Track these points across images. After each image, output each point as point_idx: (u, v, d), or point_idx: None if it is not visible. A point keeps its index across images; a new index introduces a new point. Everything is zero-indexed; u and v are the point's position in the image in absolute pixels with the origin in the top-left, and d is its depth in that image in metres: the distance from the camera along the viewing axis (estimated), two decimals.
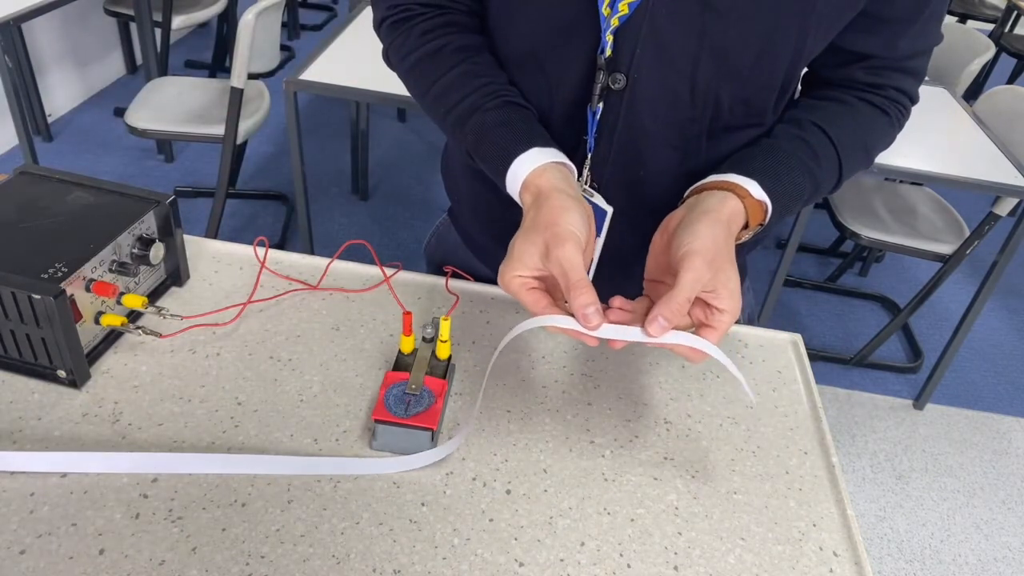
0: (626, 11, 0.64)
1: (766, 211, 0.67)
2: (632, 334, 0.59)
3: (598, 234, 0.73)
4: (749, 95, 0.69)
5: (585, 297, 0.57)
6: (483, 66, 0.72)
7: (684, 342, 0.60)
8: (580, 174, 0.74)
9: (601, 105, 0.70)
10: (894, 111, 0.75)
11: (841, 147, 0.71)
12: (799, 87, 0.79)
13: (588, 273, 0.66)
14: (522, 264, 0.60)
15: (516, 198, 0.67)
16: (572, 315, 0.59)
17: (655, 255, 0.65)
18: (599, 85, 0.69)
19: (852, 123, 0.73)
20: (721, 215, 0.62)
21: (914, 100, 0.77)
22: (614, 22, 0.64)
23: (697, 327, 0.61)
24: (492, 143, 0.68)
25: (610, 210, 0.73)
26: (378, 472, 0.64)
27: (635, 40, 0.65)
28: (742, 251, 0.87)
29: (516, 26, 0.71)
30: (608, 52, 0.66)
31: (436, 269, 1.00)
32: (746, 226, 0.65)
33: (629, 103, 0.69)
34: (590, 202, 0.70)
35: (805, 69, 0.75)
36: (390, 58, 0.78)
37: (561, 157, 0.67)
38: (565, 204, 0.61)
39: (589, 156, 0.73)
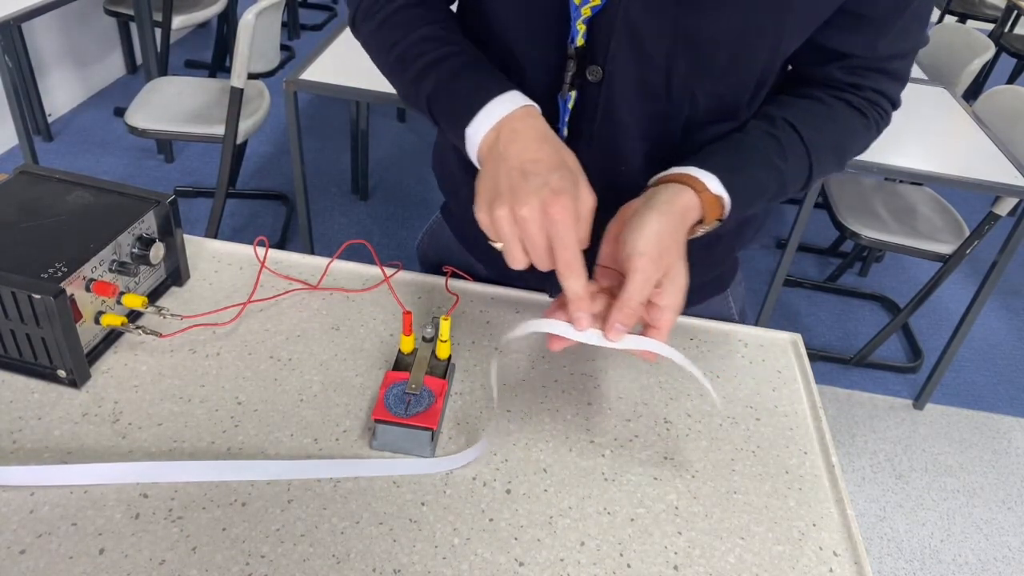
0: (598, 2, 0.64)
1: (724, 206, 0.66)
2: (592, 337, 0.60)
3: None
4: (725, 91, 0.69)
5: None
6: (460, 34, 0.72)
7: (641, 346, 0.60)
8: None
9: (573, 94, 0.69)
10: (872, 113, 0.74)
11: (812, 146, 0.71)
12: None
13: None
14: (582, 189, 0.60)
15: (484, 128, 0.64)
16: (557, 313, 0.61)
17: (609, 242, 0.64)
18: (569, 74, 0.68)
19: (826, 122, 0.72)
20: (672, 208, 0.62)
21: (895, 104, 0.76)
22: (585, 11, 0.64)
23: (644, 328, 0.61)
24: (470, 80, 0.67)
25: None
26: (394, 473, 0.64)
27: (609, 32, 0.65)
28: (734, 247, 0.88)
29: (490, 12, 0.71)
30: (579, 41, 0.66)
31: (429, 267, 1.00)
32: (702, 220, 0.65)
33: (607, 96, 0.69)
34: None
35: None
36: (358, 19, 0.76)
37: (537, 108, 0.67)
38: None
39: None
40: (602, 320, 0.60)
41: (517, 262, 0.60)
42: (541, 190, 0.58)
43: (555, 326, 0.61)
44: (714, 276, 0.89)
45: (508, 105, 0.64)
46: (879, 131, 0.76)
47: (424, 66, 0.69)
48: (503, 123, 0.63)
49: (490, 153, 0.63)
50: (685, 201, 0.63)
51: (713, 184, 0.65)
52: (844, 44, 0.70)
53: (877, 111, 0.75)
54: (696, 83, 0.67)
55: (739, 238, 0.86)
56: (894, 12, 0.67)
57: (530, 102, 0.65)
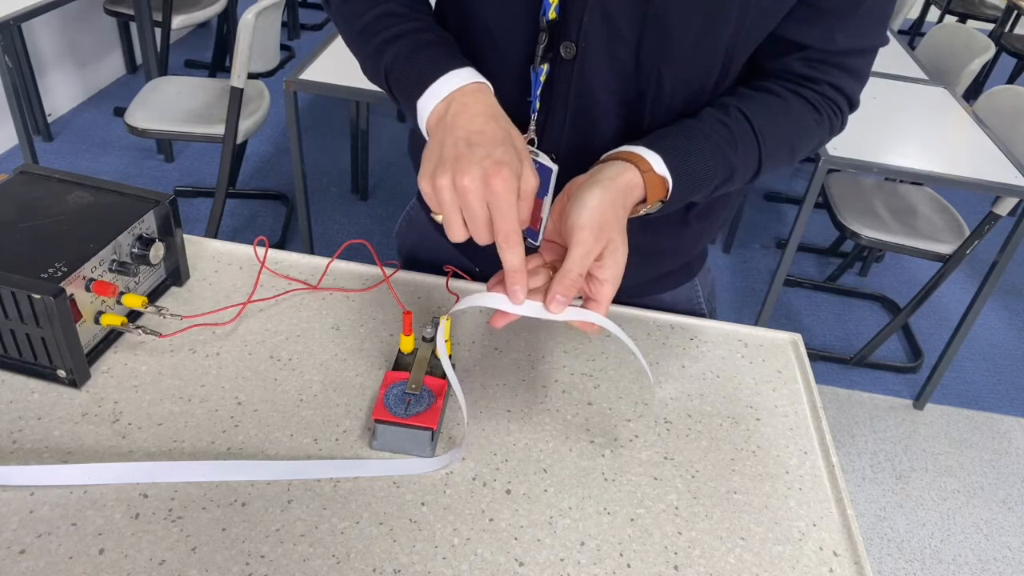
0: None
1: (667, 188, 0.66)
2: (533, 309, 0.61)
3: (545, 193, 0.73)
4: (691, 73, 0.70)
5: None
6: (424, 11, 0.73)
7: (581, 318, 0.61)
8: (523, 133, 0.74)
9: (545, 67, 0.70)
10: (826, 109, 0.74)
11: (763, 138, 0.71)
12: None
13: (540, 231, 0.69)
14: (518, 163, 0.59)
15: (434, 100, 0.64)
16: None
17: (555, 215, 0.65)
18: (541, 46, 0.69)
19: (779, 115, 0.72)
20: (615, 184, 0.62)
21: (852, 103, 0.76)
22: None
23: (584, 300, 0.62)
24: (426, 55, 0.67)
25: (555, 168, 0.73)
26: (377, 474, 0.64)
27: (583, 7, 0.66)
28: (703, 237, 0.89)
29: None
30: (552, 15, 0.67)
31: (407, 254, 1.00)
32: (645, 201, 0.65)
33: (580, 73, 0.70)
34: (535, 161, 0.70)
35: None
36: None
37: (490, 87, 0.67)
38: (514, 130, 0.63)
39: (533, 117, 0.73)
40: (544, 293, 0.60)
41: (456, 234, 0.60)
42: (484, 161, 0.58)
43: (496, 300, 0.61)
44: (683, 264, 0.91)
45: (461, 80, 0.64)
46: (832, 131, 0.77)
47: (384, 40, 0.69)
48: (454, 96, 0.64)
49: (438, 124, 0.63)
50: (628, 179, 0.63)
51: (658, 165, 0.65)
52: (802, 35, 0.70)
53: (832, 108, 0.75)
54: (663, 63, 0.68)
55: (707, 228, 0.87)
56: (851, 4, 0.68)
57: (483, 79, 0.66)
